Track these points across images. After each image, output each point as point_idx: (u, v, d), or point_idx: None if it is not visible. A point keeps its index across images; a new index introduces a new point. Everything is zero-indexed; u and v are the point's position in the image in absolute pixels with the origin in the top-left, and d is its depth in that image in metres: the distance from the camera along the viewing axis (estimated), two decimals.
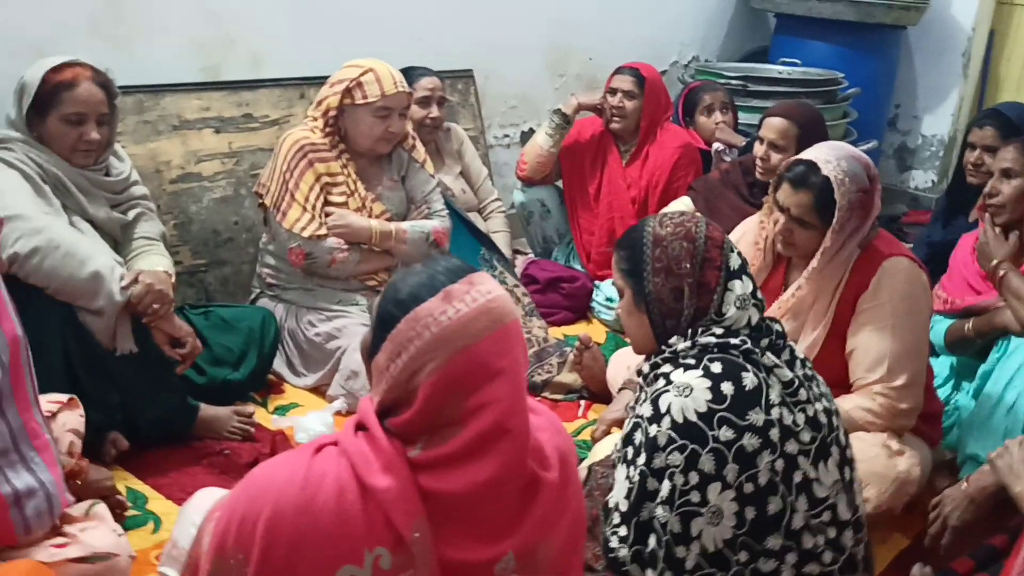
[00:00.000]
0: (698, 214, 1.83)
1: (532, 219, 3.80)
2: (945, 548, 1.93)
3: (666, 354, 1.71)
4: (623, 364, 2.78)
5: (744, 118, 3.95)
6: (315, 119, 2.91)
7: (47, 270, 2.26)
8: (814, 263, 2.32)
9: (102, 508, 1.81)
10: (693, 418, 1.59)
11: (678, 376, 1.64)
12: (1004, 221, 2.64)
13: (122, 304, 2.34)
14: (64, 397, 2.09)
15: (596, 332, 3.41)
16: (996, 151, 2.85)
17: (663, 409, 1.62)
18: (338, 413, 2.67)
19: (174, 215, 3.10)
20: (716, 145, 3.62)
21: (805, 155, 2.30)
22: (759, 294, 1.73)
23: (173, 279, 2.49)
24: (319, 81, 3.32)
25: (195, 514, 1.50)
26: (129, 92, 2.91)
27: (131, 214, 2.61)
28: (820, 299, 2.37)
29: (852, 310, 2.36)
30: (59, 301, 2.31)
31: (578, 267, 3.70)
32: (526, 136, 4.32)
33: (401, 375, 1.23)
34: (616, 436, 2.31)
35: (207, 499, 1.53)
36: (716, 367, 1.63)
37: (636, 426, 1.69)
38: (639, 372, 1.82)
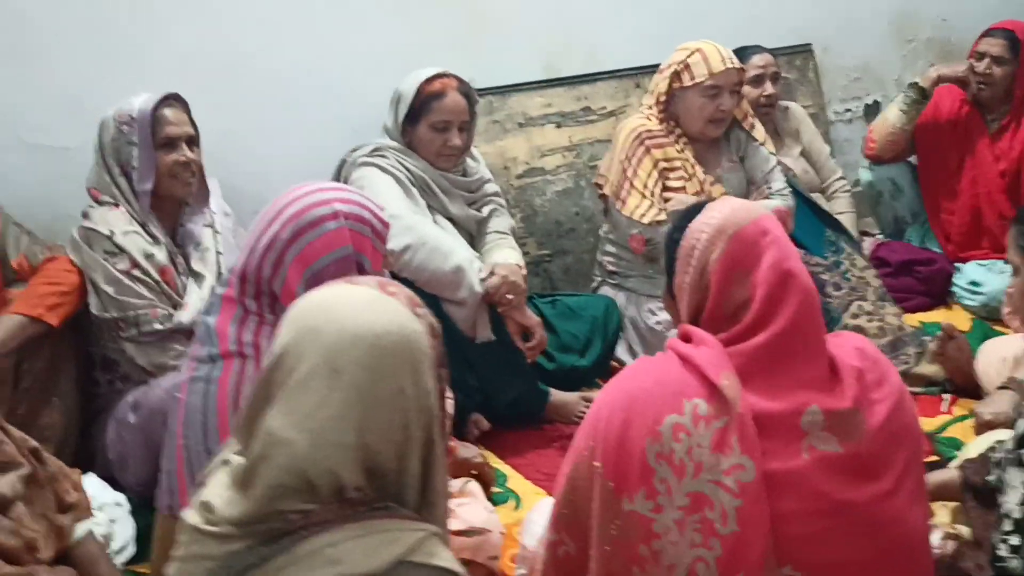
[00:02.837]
0: None
1: (881, 199, 3.55)
2: None
3: None
4: (996, 356, 2.53)
5: None
6: (649, 107, 2.93)
7: (417, 264, 2.47)
8: None
9: (474, 486, 1.96)
10: None
11: None
12: None
13: (481, 295, 2.51)
14: None
15: (959, 319, 3.13)
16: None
17: None
18: None
19: (520, 208, 3.26)
20: None
21: None
22: None
23: (524, 271, 2.63)
24: (653, 69, 3.34)
25: (538, 520, 1.74)
26: (481, 94, 3.10)
27: (485, 210, 2.80)
28: None
29: None
30: (426, 293, 2.52)
31: (935, 248, 3.41)
32: (870, 109, 4.04)
33: (694, 277, 1.42)
34: (994, 435, 2.12)
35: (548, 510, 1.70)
36: None
37: None
38: None
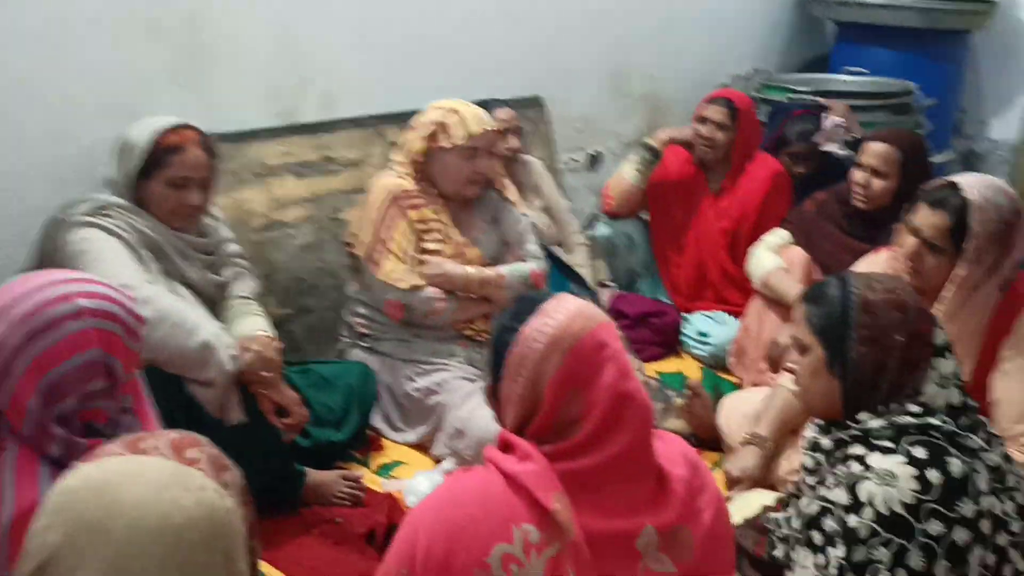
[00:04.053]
0: (904, 280, 1.72)
1: (617, 252, 3.69)
2: None
3: (853, 431, 1.60)
4: (737, 411, 2.67)
5: None
6: (402, 164, 2.81)
7: (156, 342, 2.16)
8: (947, 294, 2.21)
9: None
10: (899, 510, 1.48)
11: (877, 461, 1.53)
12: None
13: (233, 374, 2.25)
14: None
15: (688, 367, 3.31)
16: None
17: (863, 498, 1.51)
18: (448, 473, 2.57)
19: (260, 265, 2.97)
20: (829, 146, 3.51)
21: (949, 178, 2.24)
22: (961, 373, 1.62)
23: (279, 344, 2.39)
24: (394, 118, 3.23)
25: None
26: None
27: (226, 273, 2.52)
28: (958, 344, 2.26)
29: (993, 357, 2.26)
30: (165, 372, 2.21)
31: (664, 300, 3.60)
32: (594, 160, 4.21)
33: (526, 390, 1.34)
34: (754, 497, 2.22)
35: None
36: (919, 452, 1.52)
37: (825, 511, 1.58)
38: (814, 446, 1.71)
